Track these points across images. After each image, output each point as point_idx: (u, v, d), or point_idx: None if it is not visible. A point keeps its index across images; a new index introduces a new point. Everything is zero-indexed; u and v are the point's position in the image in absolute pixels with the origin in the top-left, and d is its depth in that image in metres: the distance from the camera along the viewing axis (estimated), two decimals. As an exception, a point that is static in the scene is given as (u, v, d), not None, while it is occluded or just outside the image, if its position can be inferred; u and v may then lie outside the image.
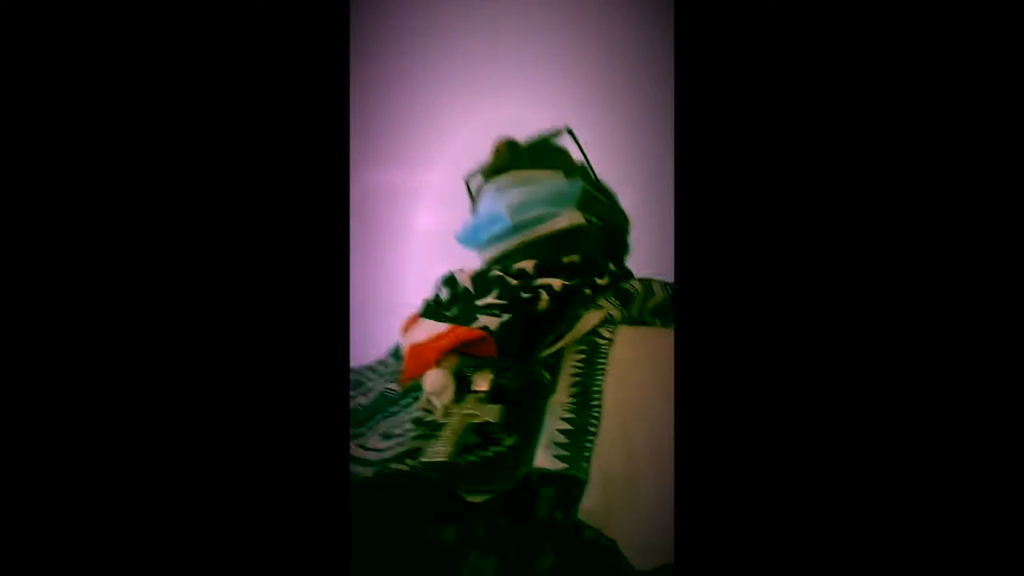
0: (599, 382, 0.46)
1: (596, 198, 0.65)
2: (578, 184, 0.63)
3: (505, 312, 0.50)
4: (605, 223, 0.65)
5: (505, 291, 0.52)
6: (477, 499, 0.41)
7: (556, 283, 0.52)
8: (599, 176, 0.69)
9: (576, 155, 0.69)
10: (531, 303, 0.51)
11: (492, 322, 0.49)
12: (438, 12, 1.29)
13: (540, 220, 0.60)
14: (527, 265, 0.55)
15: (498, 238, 0.60)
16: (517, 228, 0.59)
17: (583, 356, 0.49)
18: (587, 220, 0.62)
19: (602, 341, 0.49)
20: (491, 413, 0.44)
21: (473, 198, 0.69)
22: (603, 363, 0.47)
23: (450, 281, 0.58)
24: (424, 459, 0.42)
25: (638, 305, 0.54)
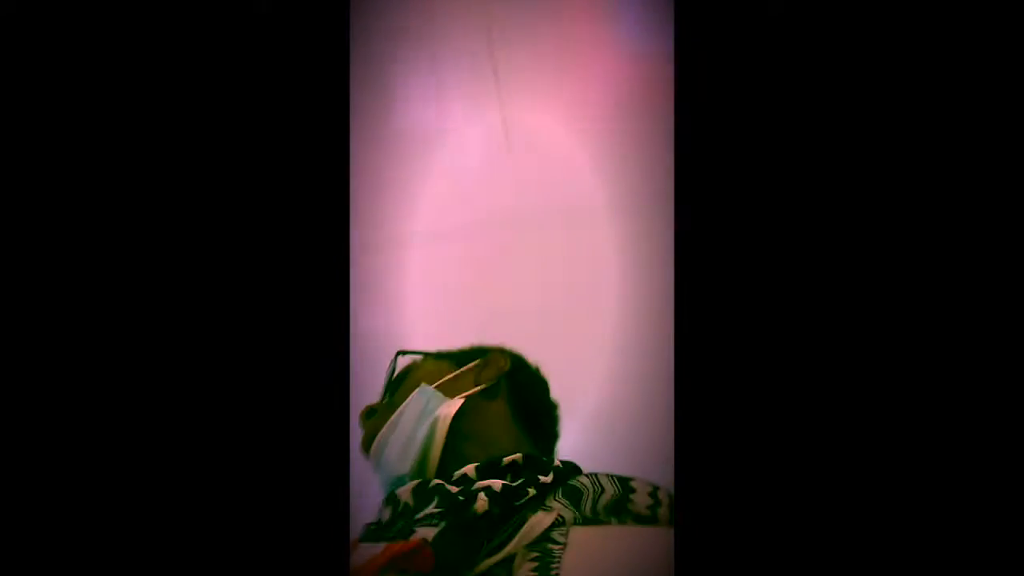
0: None
1: (450, 379, 0.67)
2: (428, 391, 0.64)
3: (443, 519, 0.49)
4: (488, 386, 0.66)
5: (444, 499, 0.51)
6: None
7: (496, 484, 0.51)
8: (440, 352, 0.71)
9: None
10: (466, 507, 0.49)
11: (429, 532, 0.48)
12: (438, 12, 1.29)
13: (426, 442, 0.61)
14: (468, 470, 0.55)
15: (405, 482, 0.60)
16: (416, 469, 0.61)
17: (536, 563, 0.46)
18: (466, 399, 0.64)
19: (555, 546, 0.47)
20: None
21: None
22: (556, 569, 0.45)
23: (391, 500, 0.58)
24: None
25: (589, 503, 0.52)
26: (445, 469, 0.59)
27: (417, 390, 0.65)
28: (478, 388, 0.67)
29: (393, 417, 0.65)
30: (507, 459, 0.55)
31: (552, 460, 0.57)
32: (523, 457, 0.56)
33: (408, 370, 0.71)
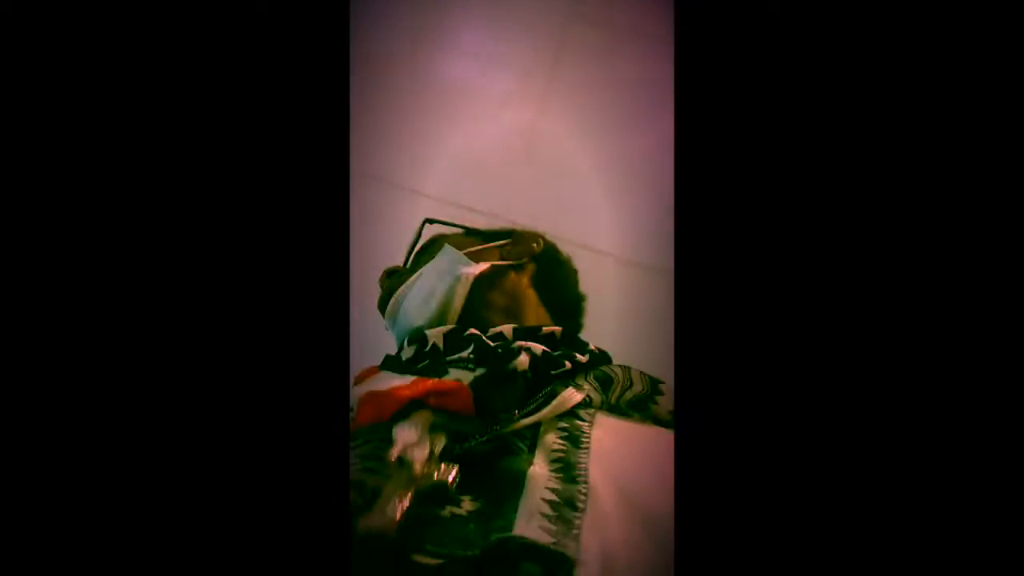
0: (584, 460, 0.42)
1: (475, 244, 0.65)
2: (452, 251, 0.62)
3: (479, 367, 0.47)
4: (516, 263, 0.65)
5: (481, 349, 0.50)
6: (429, 562, 0.35)
7: (537, 347, 0.50)
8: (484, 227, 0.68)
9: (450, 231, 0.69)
10: (508, 359, 0.48)
11: (465, 376, 0.46)
12: (438, 12, 1.29)
13: (446, 296, 0.59)
14: (505, 329, 0.53)
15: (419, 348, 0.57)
16: (435, 322, 0.58)
17: (564, 433, 0.45)
18: (492, 266, 0.62)
19: (582, 423, 0.46)
20: (447, 473, 0.39)
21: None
22: (587, 443, 0.44)
23: (417, 337, 0.55)
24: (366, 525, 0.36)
25: (617, 393, 0.51)
26: (465, 328, 0.56)
27: (441, 251, 0.63)
28: (506, 262, 0.64)
29: (413, 277, 0.63)
30: (546, 329, 0.53)
31: (587, 343, 0.55)
32: (561, 332, 0.54)
33: (434, 239, 0.69)
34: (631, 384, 0.51)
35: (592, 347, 0.54)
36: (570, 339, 0.53)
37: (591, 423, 0.46)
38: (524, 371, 0.48)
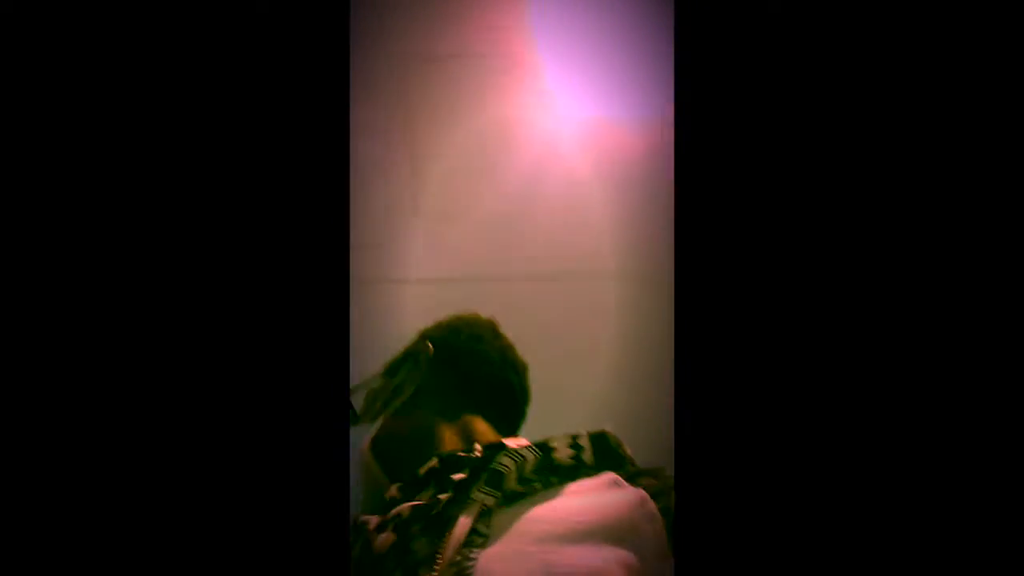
0: None
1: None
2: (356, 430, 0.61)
3: None
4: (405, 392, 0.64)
5: (358, 535, 0.50)
6: None
7: (405, 510, 0.49)
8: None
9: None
10: (369, 549, 0.48)
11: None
12: (437, 12, 1.29)
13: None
14: (393, 492, 0.53)
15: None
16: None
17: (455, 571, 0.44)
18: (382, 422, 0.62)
19: (476, 544, 0.46)
20: None
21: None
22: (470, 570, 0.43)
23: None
24: None
25: (513, 478, 0.50)
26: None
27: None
28: (395, 402, 0.64)
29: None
30: (423, 469, 0.54)
31: (471, 451, 0.54)
32: (439, 461, 0.54)
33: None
34: (523, 460, 0.51)
35: (476, 451, 0.54)
36: (449, 463, 0.53)
37: (487, 536, 0.46)
38: (391, 545, 0.47)
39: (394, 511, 0.49)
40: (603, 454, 0.52)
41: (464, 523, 0.47)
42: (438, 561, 0.45)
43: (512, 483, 0.50)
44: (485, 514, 0.48)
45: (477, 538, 0.46)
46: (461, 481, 0.50)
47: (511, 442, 0.55)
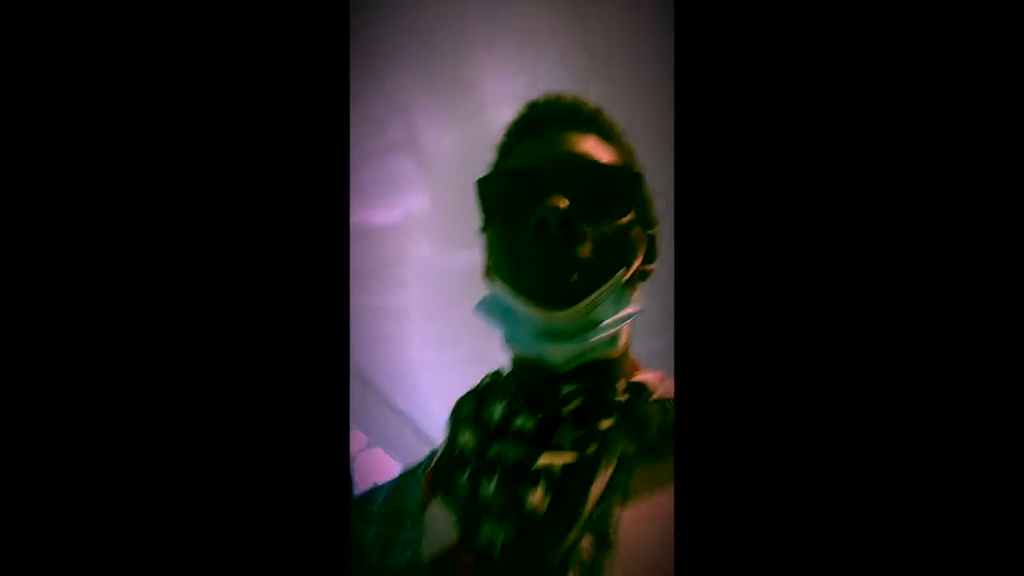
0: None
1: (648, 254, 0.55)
2: (636, 309, 0.51)
3: (506, 518, 0.43)
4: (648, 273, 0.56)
5: (504, 480, 0.45)
6: None
7: (557, 463, 0.44)
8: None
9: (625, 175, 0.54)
10: (529, 508, 0.43)
11: (496, 537, 0.43)
12: (438, 13, 1.29)
13: (591, 353, 0.49)
14: (526, 423, 0.47)
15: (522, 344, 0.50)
16: (567, 364, 0.49)
17: (593, 536, 0.41)
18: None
19: (615, 500, 0.42)
20: None
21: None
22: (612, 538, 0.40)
23: (455, 428, 0.51)
24: None
25: (656, 427, 0.46)
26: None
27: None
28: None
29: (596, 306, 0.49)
30: (566, 410, 0.47)
31: (615, 392, 0.48)
32: (582, 400, 0.47)
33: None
34: (667, 414, 0.47)
35: (620, 395, 0.49)
36: (593, 405, 0.48)
37: (627, 491, 0.43)
38: (547, 505, 0.43)
39: (542, 461, 0.44)
40: None
41: (603, 476, 0.43)
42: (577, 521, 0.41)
43: (653, 434, 0.46)
44: (625, 467, 0.44)
45: (617, 495, 0.43)
46: (609, 430, 0.46)
47: (653, 378, 0.51)
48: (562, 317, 0.46)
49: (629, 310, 0.50)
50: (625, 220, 0.49)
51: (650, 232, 0.55)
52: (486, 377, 0.54)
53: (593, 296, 0.47)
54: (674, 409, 0.47)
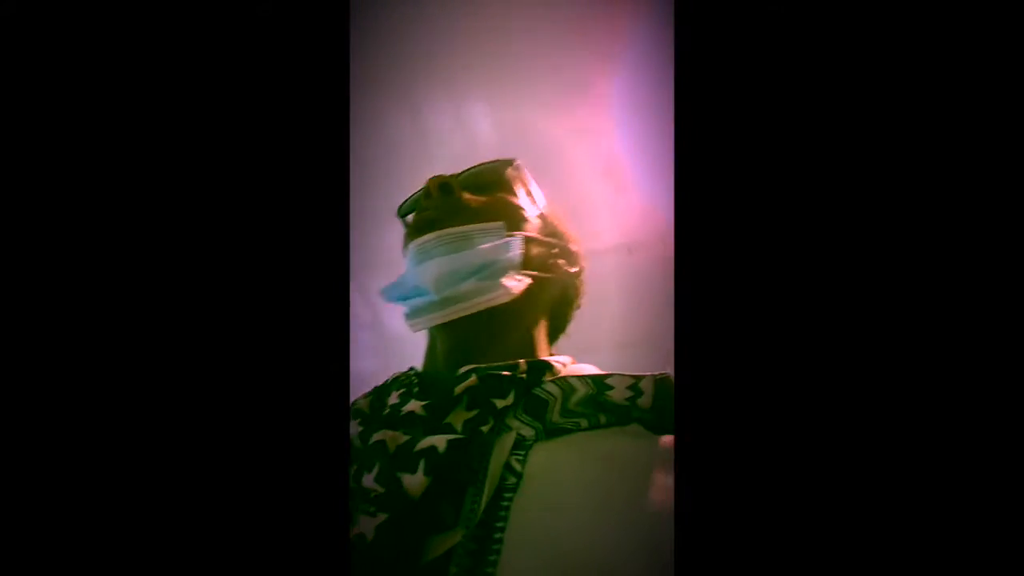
0: (490, 571, 0.36)
1: (544, 246, 0.56)
2: (518, 241, 0.52)
3: (380, 509, 0.40)
4: (555, 273, 0.56)
5: (384, 469, 0.42)
6: None
7: (441, 443, 0.41)
8: (549, 215, 0.59)
9: (523, 194, 0.59)
10: (404, 495, 0.40)
11: (368, 528, 0.39)
12: (437, 12, 1.29)
13: (474, 294, 0.49)
14: (416, 407, 0.45)
15: (423, 312, 0.50)
16: (445, 303, 0.49)
17: (474, 537, 0.38)
18: (534, 280, 0.52)
19: (508, 483, 0.40)
20: None
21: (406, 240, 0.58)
22: (499, 535, 0.37)
23: (358, 411, 0.49)
24: None
25: (557, 408, 0.45)
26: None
27: (511, 236, 0.53)
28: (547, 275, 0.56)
29: (468, 230, 0.52)
30: (459, 388, 0.46)
31: (514, 371, 0.47)
32: (478, 380, 0.46)
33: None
34: (573, 391, 0.46)
35: (519, 372, 0.48)
36: (490, 384, 0.46)
37: (521, 474, 0.41)
38: (426, 489, 0.40)
39: (424, 442, 0.42)
40: (662, 401, 0.45)
41: (496, 459, 0.41)
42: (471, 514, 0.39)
43: (555, 415, 0.44)
44: (520, 447, 0.42)
45: (510, 477, 0.41)
46: (505, 408, 0.44)
47: (558, 362, 0.50)
48: (432, 236, 0.51)
49: (506, 255, 0.51)
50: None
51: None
52: (394, 375, 0.54)
53: (461, 227, 0.51)
54: (584, 388, 0.46)
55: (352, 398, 0.53)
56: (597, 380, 0.46)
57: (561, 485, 0.40)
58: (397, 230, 0.60)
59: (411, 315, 0.50)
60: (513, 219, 0.55)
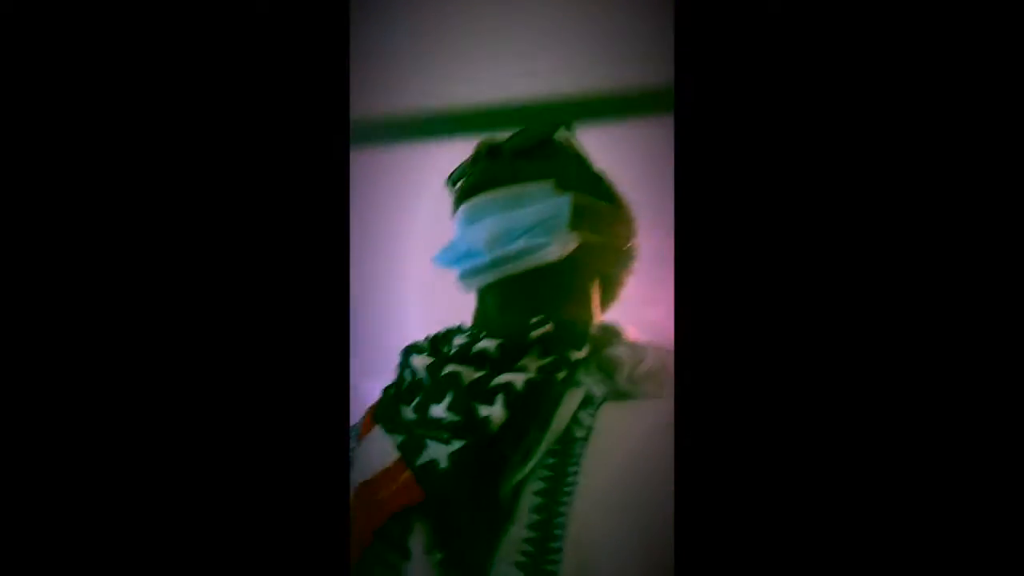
0: (563, 510, 0.38)
1: (595, 210, 0.55)
2: (568, 200, 0.52)
3: (455, 437, 0.42)
4: (606, 238, 0.55)
5: (458, 400, 0.43)
6: None
7: (519, 380, 0.42)
8: (602, 174, 0.58)
9: (574, 156, 0.59)
10: (483, 426, 0.41)
11: (442, 454, 0.41)
12: (437, 13, 1.29)
13: (524, 253, 0.50)
14: (489, 345, 0.46)
15: (476, 272, 0.51)
16: (496, 263, 0.50)
17: (549, 471, 0.40)
18: (584, 241, 0.52)
19: (578, 435, 0.41)
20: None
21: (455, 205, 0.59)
22: (573, 477, 0.39)
23: (406, 360, 0.50)
24: None
25: (626, 372, 0.45)
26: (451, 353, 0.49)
27: (562, 194, 0.52)
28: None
29: (518, 189, 0.53)
30: (535, 333, 0.46)
31: (587, 327, 0.48)
32: (554, 326, 0.46)
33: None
34: (643, 358, 0.46)
35: (595, 330, 0.48)
36: (566, 332, 0.47)
37: (591, 429, 0.41)
38: (504, 423, 0.41)
39: (502, 378, 0.42)
40: None
41: (568, 404, 0.42)
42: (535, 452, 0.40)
43: (622, 380, 0.45)
44: (590, 403, 0.43)
45: (578, 429, 0.41)
46: (578, 361, 0.45)
47: (626, 328, 0.51)
48: (482, 198, 0.51)
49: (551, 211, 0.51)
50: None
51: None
52: (445, 327, 0.54)
53: (510, 187, 0.52)
54: (654, 357, 0.46)
55: (352, 398, 0.53)
56: (663, 353, 0.46)
57: (630, 447, 0.40)
58: (396, 223, 0.60)
59: (464, 276, 0.52)
60: (563, 179, 0.54)
